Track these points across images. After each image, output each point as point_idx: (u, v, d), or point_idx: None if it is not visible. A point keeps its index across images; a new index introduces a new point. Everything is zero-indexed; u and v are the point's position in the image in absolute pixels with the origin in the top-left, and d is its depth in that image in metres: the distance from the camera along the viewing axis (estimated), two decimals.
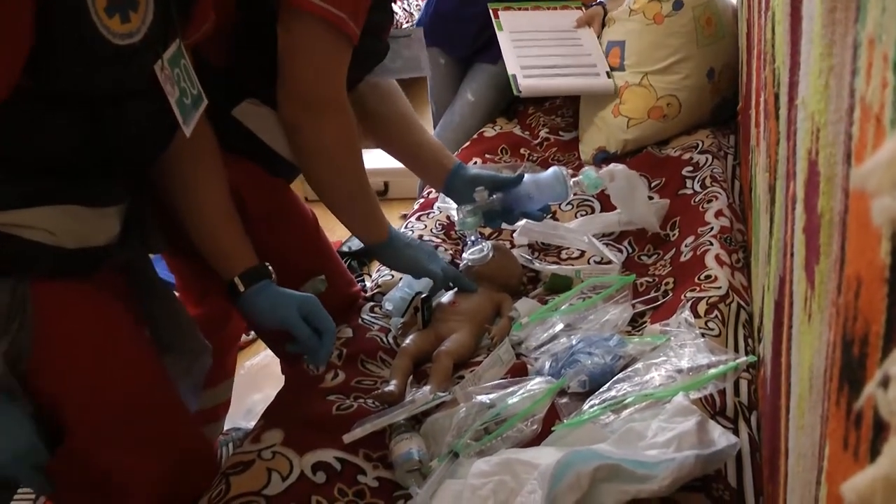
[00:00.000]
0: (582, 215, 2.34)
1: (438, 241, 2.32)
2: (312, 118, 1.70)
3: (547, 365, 1.64)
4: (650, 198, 2.26)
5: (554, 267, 2.11)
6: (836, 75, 0.71)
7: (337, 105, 1.71)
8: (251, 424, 1.65)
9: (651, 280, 1.96)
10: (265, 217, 1.87)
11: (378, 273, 2.19)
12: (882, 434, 0.46)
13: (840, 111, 0.67)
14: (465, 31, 3.15)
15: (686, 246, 2.00)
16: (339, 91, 1.69)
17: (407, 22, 4.79)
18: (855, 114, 0.59)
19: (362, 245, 4.01)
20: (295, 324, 1.62)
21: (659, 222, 2.20)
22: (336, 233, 4.33)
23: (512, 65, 2.76)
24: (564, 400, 1.55)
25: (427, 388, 1.62)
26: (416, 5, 4.85)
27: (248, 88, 1.77)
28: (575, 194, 2.31)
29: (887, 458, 0.41)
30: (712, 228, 2.02)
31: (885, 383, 0.39)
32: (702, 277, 1.80)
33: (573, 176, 2.13)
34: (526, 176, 2.10)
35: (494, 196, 2.04)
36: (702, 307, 1.68)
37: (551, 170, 2.11)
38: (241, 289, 1.63)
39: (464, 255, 2.12)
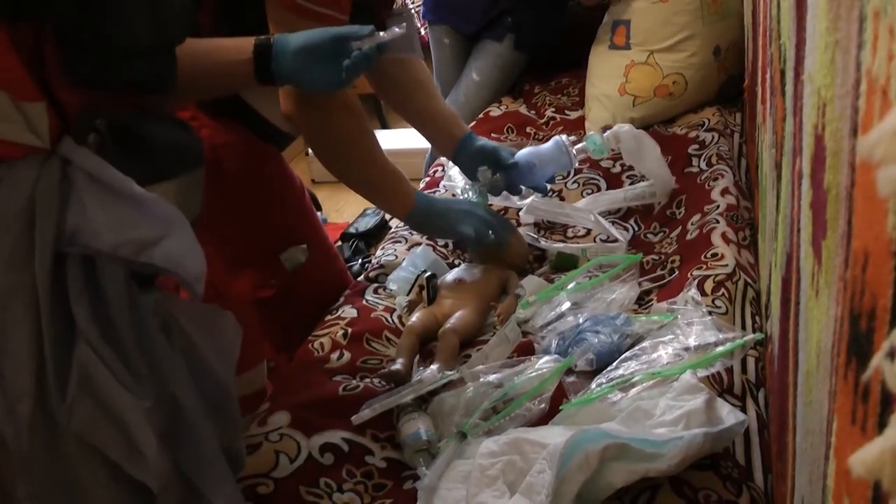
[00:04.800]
0: (588, 193, 2.33)
1: None
2: (311, 114, 1.71)
3: (554, 344, 1.64)
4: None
5: (560, 245, 2.10)
6: (841, 49, 0.70)
7: (337, 100, 1.71)
8: None
9: (657, 258, 1.96)
10: (245, 180, 1.88)
11: (382, 252, 2.19)
12: (890, 406, 0.46)
13: (846, 85, 0.67)
14: (474, 6, 3.13)
15: (692, 224, 2.00)
16: None
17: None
18: (861, 87, 0.59)
19: (368, 227, 4.05)
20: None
21: (666, 199, 2.20)
22: (343, 214, 4.35)
23: None
24: (572, 379, 1.55)
25: (434, 367, 1.62)
26: None
27: None
28: (582, 161, 2.31)
29: (895, 430, 0.41)
30: (718, 206, 2.01)
31: (892, 355, 0.39)
32: (708, 255, 1.80)
33: (576, 143, 2.13)
34: (528, 149, 2.10)
35: (499, 174, 2.04)
36: (708, 285, 1.68)
37: (552, 140, 2.12)
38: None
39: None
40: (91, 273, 1.09)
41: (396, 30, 1.55)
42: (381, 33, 1.53)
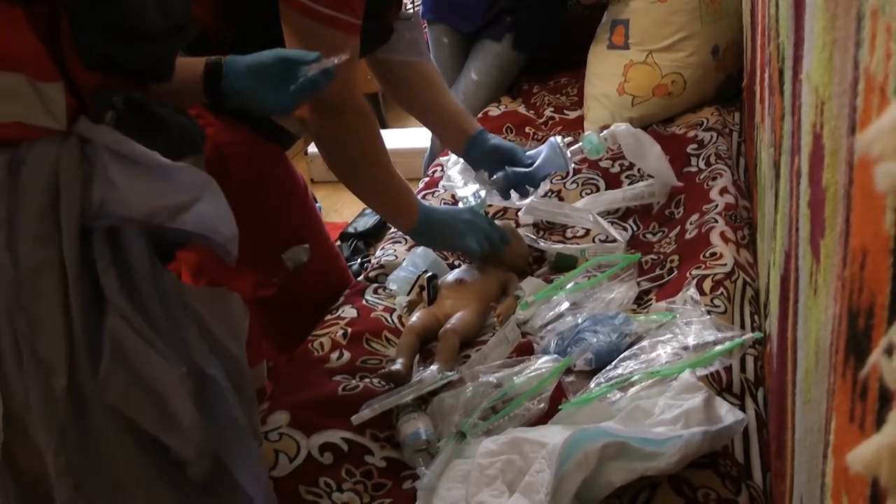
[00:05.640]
0: (587, 194, 2.33)
1: None
2: (324, 118, 1.72)
3: (553, 343, 1.64)
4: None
5: (559, 246, 2.10)
6: (839, 48, 0.70)
7: (347, 104, 1.72)
8: None
9: (656, 258, 1.96)
10: (249, 179, 1.89)
11: (382, 252, 2.19)
12: (887, 403, 0.46)
13: (844, 84, 0.67)
14: (475, 5, 3.13)
15: (691, 223, 2.00)
16: (346, 88, 1.69)
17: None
18: (859, 86, 0.59)
19: (367, 226, 4.05)
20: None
21: (665, 198, 2.20)
22: (342, 214, 4.35)
23: None
24: (571, 378, 1.55)
25: (434, 367, 1.62)
26: None
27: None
28: (580, 162, 2.32)
29: (893, 426, 0.41)
30: (717, 205, 2.01)
31: (889, 352, 0.39)
32: (707, 255, 1.80)
33: (571, 144, 2.13)
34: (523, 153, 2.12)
35: (495, 176, 2.05)
36: (707, 284, 1.68)
37: (547, 142, 2.12)
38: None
39: None
40: (116, 246, 1.11)
41: (342, 57, 1.53)
42: (326, 60, 1.51)
